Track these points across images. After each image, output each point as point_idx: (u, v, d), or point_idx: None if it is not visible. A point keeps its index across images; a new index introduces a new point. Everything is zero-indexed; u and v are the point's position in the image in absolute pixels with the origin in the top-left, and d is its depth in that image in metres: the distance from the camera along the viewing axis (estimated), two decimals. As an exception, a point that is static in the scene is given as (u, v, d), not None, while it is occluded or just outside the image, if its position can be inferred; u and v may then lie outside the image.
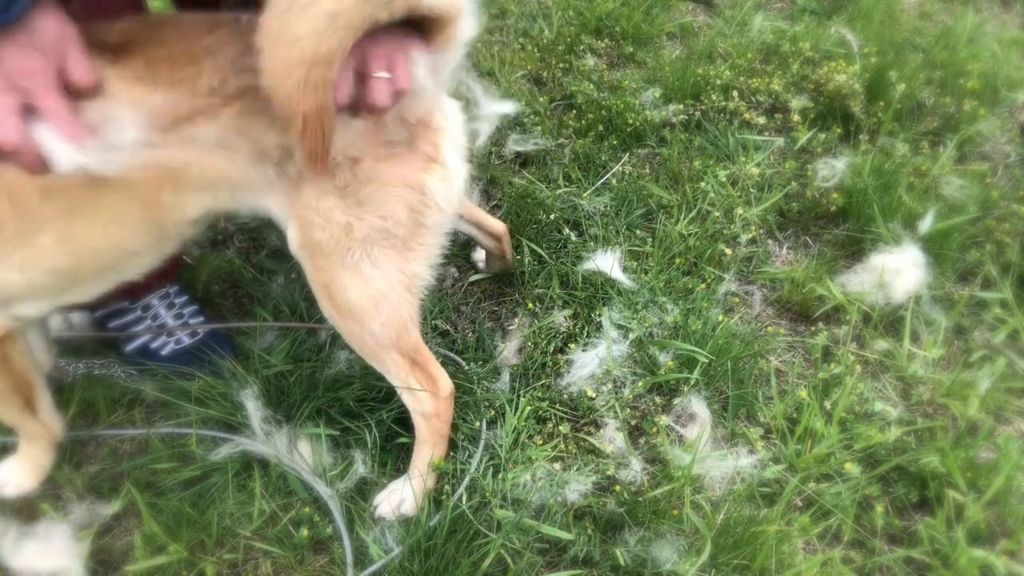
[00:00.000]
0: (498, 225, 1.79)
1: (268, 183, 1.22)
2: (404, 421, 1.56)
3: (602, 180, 2.16)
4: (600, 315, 1.79)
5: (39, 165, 1.04)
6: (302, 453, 1.51)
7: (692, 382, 1.68)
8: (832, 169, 2.17)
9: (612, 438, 1.59)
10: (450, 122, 1.29)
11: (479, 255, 1.91)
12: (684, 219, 2.03)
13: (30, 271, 1.19)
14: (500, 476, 1.50)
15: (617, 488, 1.50)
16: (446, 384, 1.44)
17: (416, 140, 1.23)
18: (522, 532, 1.42)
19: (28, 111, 1.02)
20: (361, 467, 1.50)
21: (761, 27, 2.72)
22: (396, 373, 1.40)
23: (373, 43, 1.09)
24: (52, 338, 1.63)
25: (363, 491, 1.50)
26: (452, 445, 1.53)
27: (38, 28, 1.00)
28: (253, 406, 1.53)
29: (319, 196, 1.22)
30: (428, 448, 1.46)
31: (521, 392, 1.65)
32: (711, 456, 1.56)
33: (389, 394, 1.59)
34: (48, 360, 1.59)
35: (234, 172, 1.20)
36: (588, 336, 1.76)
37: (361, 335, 1.34)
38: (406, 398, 1.43)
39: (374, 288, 1.29)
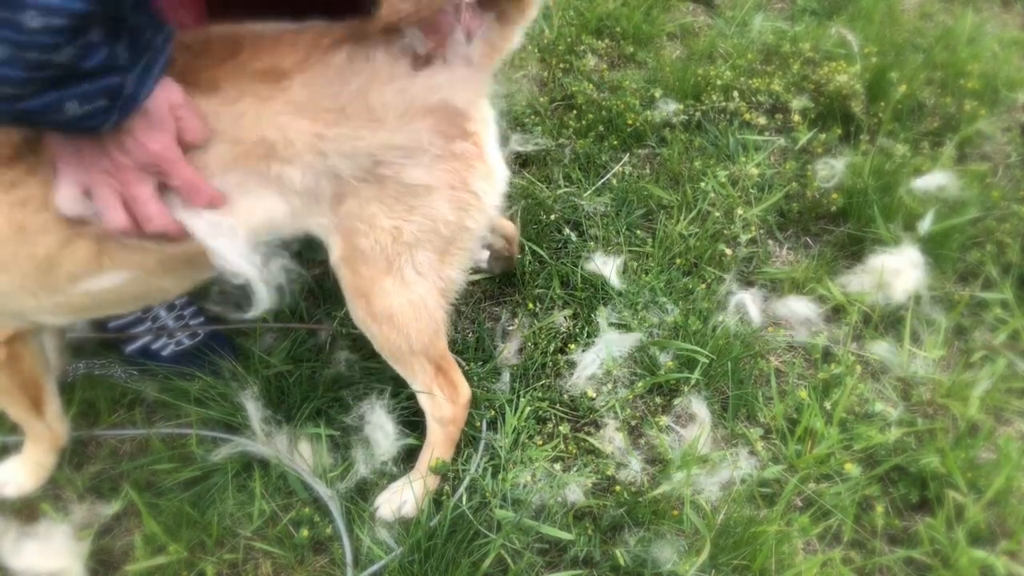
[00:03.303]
0: (510, 226, 1.79)
1: (318, 203, 1.20)
2: (409, 423, 1.56)
3: (602, 180, 2.16)
4: (600, 316, 1.79)
5: (183, 237, 1.06)
6: (302, 453, 1.51)
7: (692, 382, 1.68)
8: (832, 169, 2.17)
9: (612, 438, 1.59)
10: (488, 116, 1.25)
11: (482, 255, 1.91)
12: (684, 219, 2.03)
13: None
14: (500, 476, 1.50)
15: (617, 488, 1.50)
16: (465, 391, 1.44)
17: (458, 137, 1.20)
18: (522, 532, 1.42)
19: (163, 187, 1.03)
20: (362, 467, 1.50)
21: (761, 27, 2.72)
22: (421, 379, 1.39)
23: None
24: (66, 340, 1.63)
25: (363, 491, 1.50)
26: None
27: (152, 106, 0.98)
28: (253, 406, 1.53)
29: (361, 204, 1.20)
30: (437, 452, 1.46)
31: (521, 392, 1.65)
32: (711, 456, 1.56)
33: (391, 395, 1.59)
34: (60, 363, 1.59)
35: (303, 206, 1.19)
36: (588, 337, 1.76)
37: (397, 341, 1.33)
38: (424, 403, 1.43)
39: (415, 294, 1.28)
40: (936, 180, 2.12)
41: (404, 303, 1.28)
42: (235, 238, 1.11)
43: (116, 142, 0.97)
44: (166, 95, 0.99)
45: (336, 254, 1.26)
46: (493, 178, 1.25)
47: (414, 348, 1.34)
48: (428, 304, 1.30)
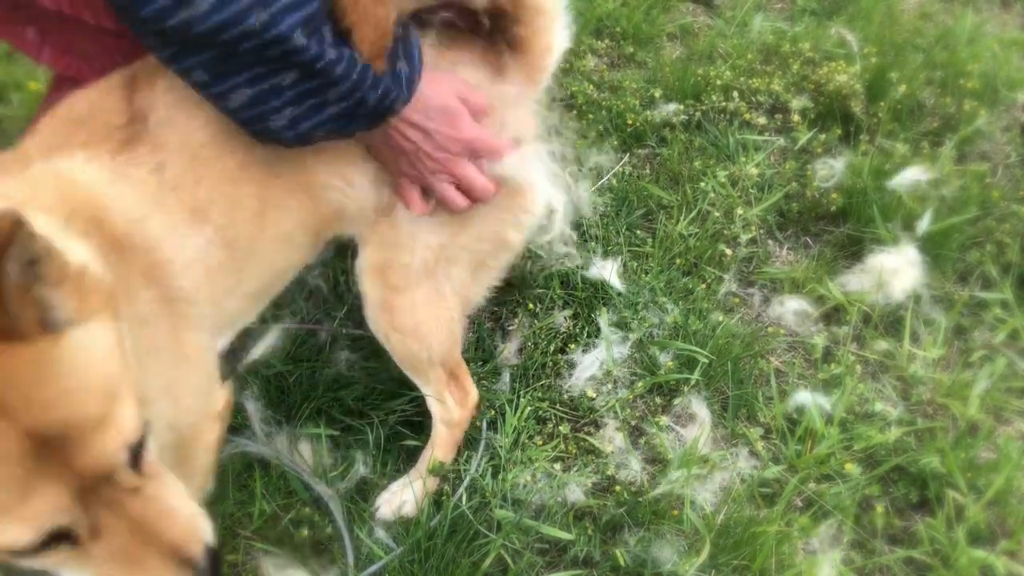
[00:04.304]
0: None
1: (374, 206, 1.23)
2: (410, 423, 1.56)
3: (602, 180, 2.16)
4: (600, 316, 1.79)
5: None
6: (302, 453, 1.51)
7: (692, 382, 1.68)
8: (832, 169, 2.17)
9: (612, 438, 1.59)
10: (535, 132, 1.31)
11: None
12: (684, 219, 2.03)
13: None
14: (500, 476, 1.50)
15: (617, 488, 1.50)
16: (474, 394, 1.47)
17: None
18: (522, 532, 1.42)
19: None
20: (362, 467, 1.50)
21: (761, 27, 2.71)
22: (434, 386, 1.41)
23: None
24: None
25: (363, 491, 1.50)
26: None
27: (448, 102, 1.12)
28: (253, 407, 1.53)
29: (413, 220, 1.22)
30: (439, 453, 1.47)
31: (521, 392, 1.65)
32: (711, 456, 1.56)
33: (391, 395, 1.59)
34: None
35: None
36: (588, 337, 1.76)
37: (418, 353, 1.35)
38: (433, 406, 1.44)
39: (442, 309, 1.30)
40: (912, 176, 2.11)
41: (430, 318, 1.30)
42: (543, 160, 1.23)
43: (434, 144, 1.12)
44: (449, 88, 1.12)
45: (367, 262, 1.27)
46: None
47: (433, 359, 1.36)
48: (452, 318, 1.32)
